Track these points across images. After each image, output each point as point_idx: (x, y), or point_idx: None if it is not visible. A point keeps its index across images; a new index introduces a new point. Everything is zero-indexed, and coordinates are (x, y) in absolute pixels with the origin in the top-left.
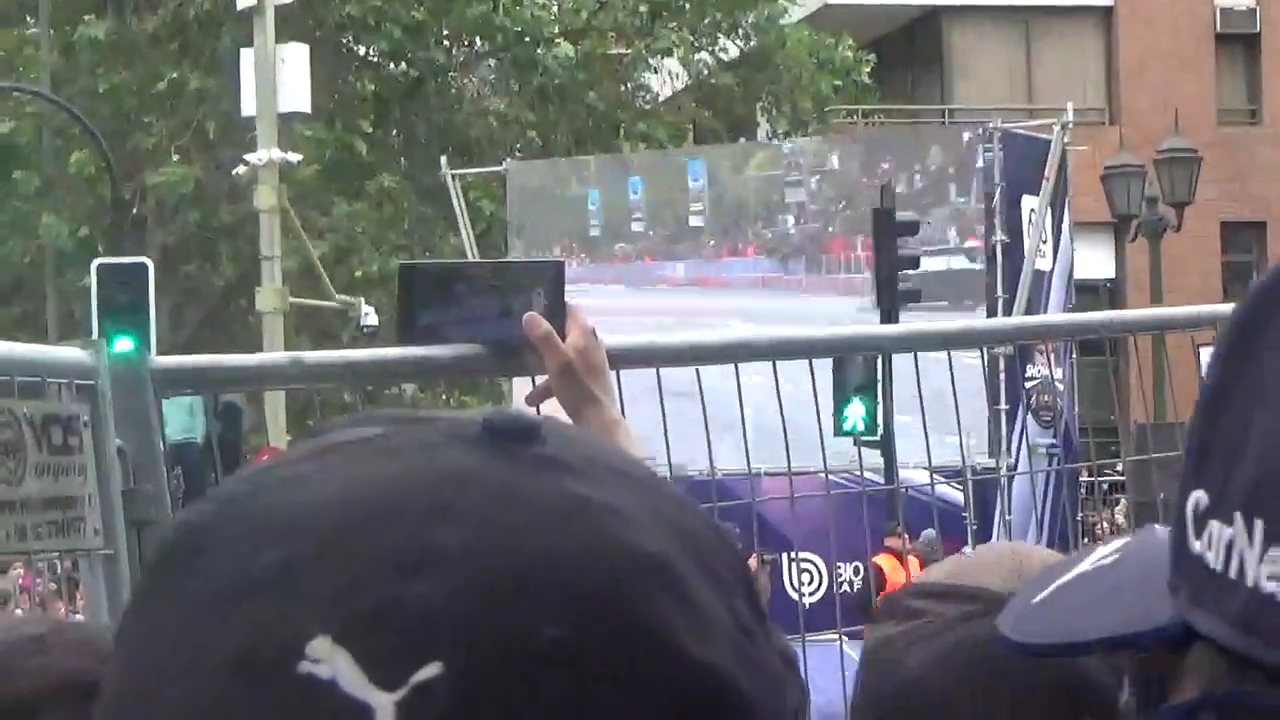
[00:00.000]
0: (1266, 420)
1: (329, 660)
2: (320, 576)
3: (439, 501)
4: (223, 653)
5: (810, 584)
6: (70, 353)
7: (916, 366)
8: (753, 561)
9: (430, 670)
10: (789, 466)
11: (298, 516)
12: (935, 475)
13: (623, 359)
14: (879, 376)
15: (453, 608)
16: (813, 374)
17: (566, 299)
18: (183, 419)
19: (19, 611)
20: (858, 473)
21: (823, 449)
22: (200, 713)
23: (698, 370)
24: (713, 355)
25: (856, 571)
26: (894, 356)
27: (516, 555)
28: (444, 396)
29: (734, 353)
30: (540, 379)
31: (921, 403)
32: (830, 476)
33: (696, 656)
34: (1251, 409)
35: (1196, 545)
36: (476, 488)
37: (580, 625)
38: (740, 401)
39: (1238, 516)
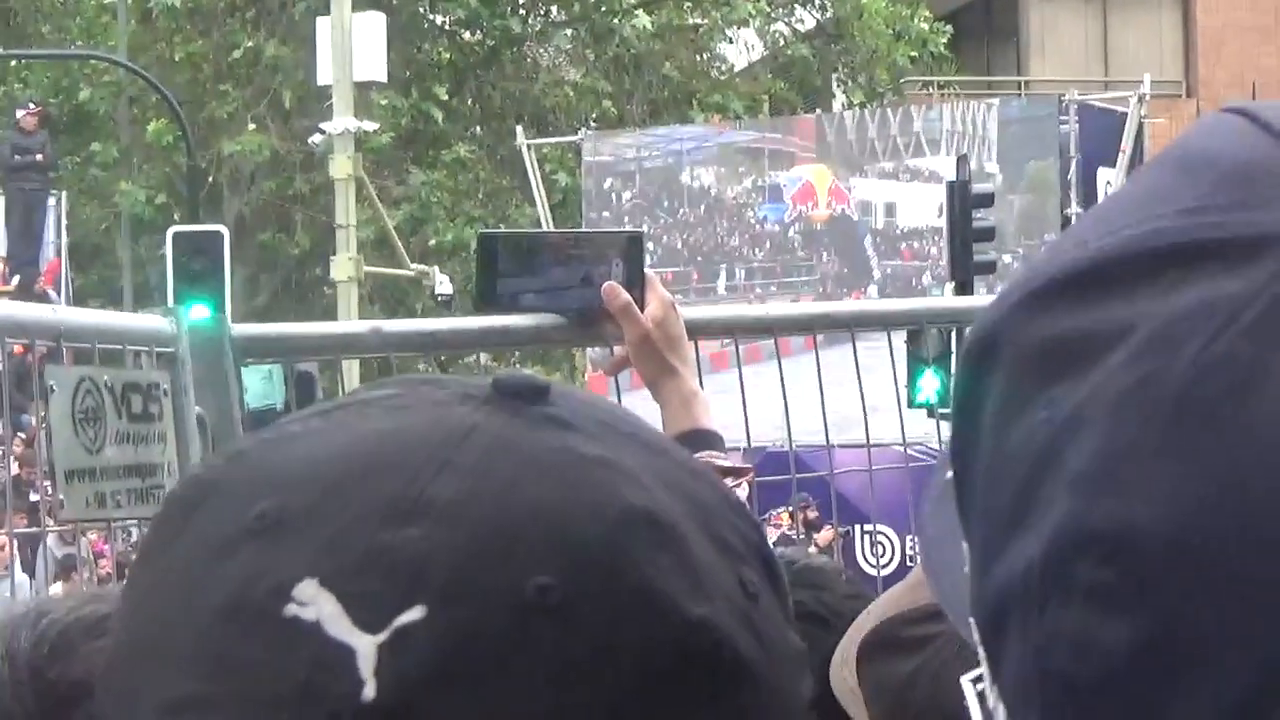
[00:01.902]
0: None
1: (314, 603)
2: (312, 524)
3: (437, 454)
4: (214, 599)
5: (884, 556)
6: (150, 320)
7: None
8: (829, 533)
9: (414, 614)
10: (867, 439)
11: (297, 468)
12: None
13: (701, 330)
14: (953, 349)
15: (441, 555)
16: (890, 345)
17: (645, 269)
18: (262, 386)
19: (88, 579)
20: (932, 445)
21: (901, 421)
22: (193, 658)
23: (776, 341)
24: (791, 326)
25: None
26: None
27: (510, 506)
28: (516, 365)
29: (812, 323)
30: (618, 349)
31: None
32: (899, 448)
33: (692, 613)
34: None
35: None
36: (476, 441)
37: (571, 576)
38: (819, 373)
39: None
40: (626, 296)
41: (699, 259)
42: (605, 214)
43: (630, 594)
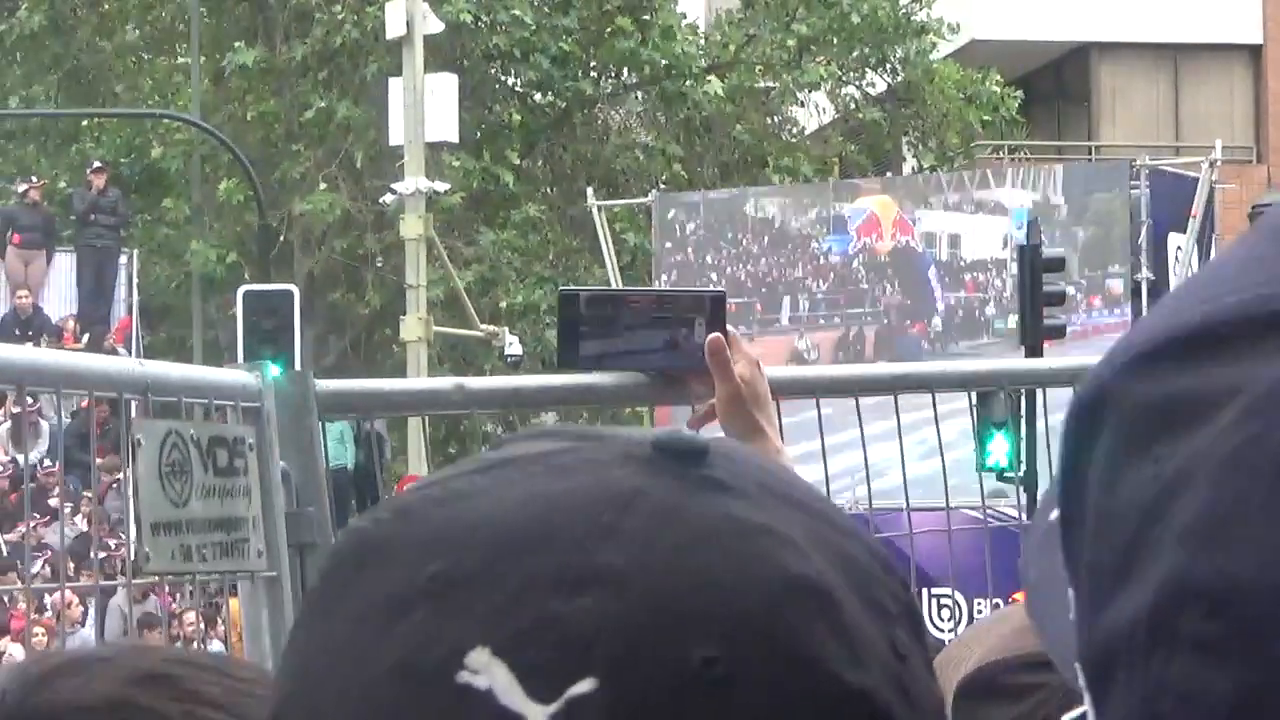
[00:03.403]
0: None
1: (487, 671)
2: (483, 590)
3: (603, 521)
4: (385, 661)
5: (949, 619)
6: (236, 375)
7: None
8: None
9: (585, 686)
10: (947, 501)
11: (465, 531)
12: None
13: (782, 389)
14: (1023, 412)
15: (610, 626)
16: (971, 408)
17: (730, 329)
18: (333, 447)
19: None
20: (998, 508)
21: (981, 485)
22: (362, 718)
23: (857, 401)
24: (872, 386)
25: (996, 608)
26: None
27: (676, 576)
28: (584, 420)
29: (893, 384)
30: (699, 406)
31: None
32: (970, 511)
33: (851, 682)
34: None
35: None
36: (641, 508)
37: (735, 648)
38: (900, 435)
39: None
40: (728, 350)
41: (763, 290)
42: (668, 244)
43: (792, 665)
